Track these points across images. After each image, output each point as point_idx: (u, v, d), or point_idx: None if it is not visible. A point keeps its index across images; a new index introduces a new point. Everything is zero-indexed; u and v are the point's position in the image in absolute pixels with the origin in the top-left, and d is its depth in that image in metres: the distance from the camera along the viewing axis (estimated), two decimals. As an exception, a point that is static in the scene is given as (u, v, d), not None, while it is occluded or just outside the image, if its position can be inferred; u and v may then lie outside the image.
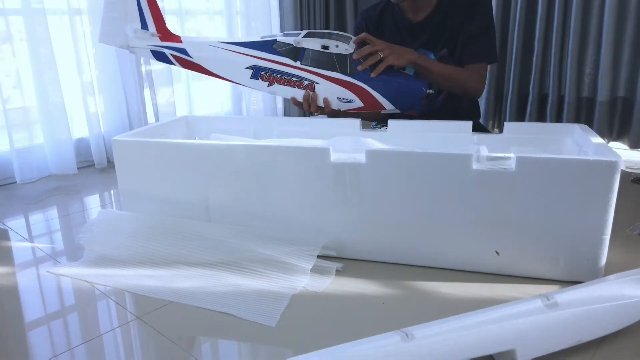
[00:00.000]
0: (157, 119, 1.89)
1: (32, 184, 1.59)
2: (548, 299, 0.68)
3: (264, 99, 2.39)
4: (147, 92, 1.86)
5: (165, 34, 1.22)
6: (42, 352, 0.73)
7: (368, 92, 1.16)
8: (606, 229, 0.84)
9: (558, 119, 2.05)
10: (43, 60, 1.58)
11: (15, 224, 1.24)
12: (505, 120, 2.17)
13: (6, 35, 1.56)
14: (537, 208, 0.86)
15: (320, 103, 1.19)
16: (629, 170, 1.58)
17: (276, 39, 1.17)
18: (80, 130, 1.78)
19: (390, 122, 1.20)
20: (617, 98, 1.93)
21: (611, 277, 0.76)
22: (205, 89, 2.25)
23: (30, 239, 1.15)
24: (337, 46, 1.13)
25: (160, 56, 1.23)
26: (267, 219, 1.01)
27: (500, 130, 1.15)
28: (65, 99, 1.64)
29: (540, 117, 2.10)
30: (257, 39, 1.20)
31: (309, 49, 1.14)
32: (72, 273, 0.96)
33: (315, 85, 1.16)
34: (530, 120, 2.10)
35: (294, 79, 1.17)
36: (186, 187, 1.05)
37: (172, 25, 2.01)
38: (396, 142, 1.17)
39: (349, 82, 1.15)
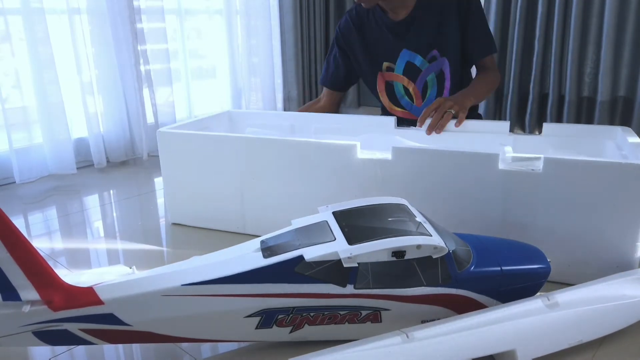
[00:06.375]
0: (155, 119, 1.89)
1: (31, 184, 1.59)
2: (549, 299, 0.67)
3: (263, 98, 2.39)
4: (145, 92, 1.86)
5: (60, 291, 0.63)
6: (42, 352, 0.73)
7: (469, 297, 0.72)
8: (638, 235, 0.80)
9: (558, 118, 2.04)
10: (42, 59, 1.58)
11: (14, 224, 1.24)
12: (505, 120, 2.17)
13: (5, 34, 1.55)
14: (564, 212, 0.82)
15: None
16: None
17: (302, 256, 0.66)
18: (79, 130, 1.77)
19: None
20: (618, 97, 1.92)
21: (612, 276, 0.76)
22: (205, 88, 2.24)
23: (30, 239, 1.15)
24: (418, 247, 0.67)
25: (53, 338, 0.64)
26: (295, 213, 0.99)
27: (538, 132, 1.12)
28: (64, 98, 1.64)
29: (541, 117, 2.10)
30: (256, 252, 0.70)
31: (368, 262, 0.67)
32: (70, 273, 0.96)
33: (383, 312, 0.70)
34: (530, 120, 2.09)
35: (342, 312, 0.69)
36: (223, 179, 1.08)
37: (172, 25, 2.02)
38: (429, 140, 1.15)
39: (442, 294, 0.70)
